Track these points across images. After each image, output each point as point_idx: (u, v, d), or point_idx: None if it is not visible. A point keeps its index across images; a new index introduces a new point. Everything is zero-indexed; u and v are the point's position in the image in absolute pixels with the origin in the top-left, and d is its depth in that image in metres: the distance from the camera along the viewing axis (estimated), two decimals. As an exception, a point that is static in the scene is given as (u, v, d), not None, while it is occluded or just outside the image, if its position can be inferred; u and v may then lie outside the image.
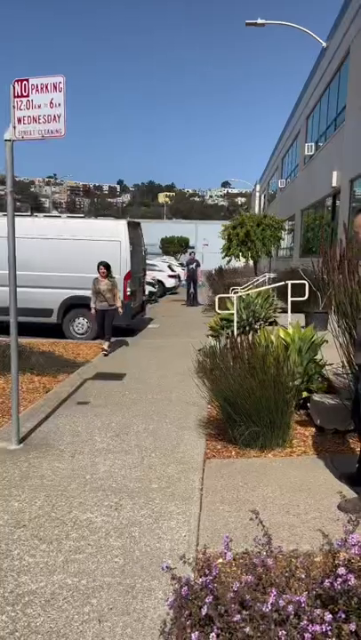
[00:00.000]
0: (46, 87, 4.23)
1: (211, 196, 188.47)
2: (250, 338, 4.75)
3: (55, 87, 4.22)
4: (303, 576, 1.97)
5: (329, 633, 1.53)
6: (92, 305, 8.77)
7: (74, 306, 10.09)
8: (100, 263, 8.82)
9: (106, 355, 8.51)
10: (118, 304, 8.87)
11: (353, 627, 1.56)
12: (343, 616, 1.62)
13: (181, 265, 32.35)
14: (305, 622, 1.56)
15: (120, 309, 8.88)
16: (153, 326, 12.08)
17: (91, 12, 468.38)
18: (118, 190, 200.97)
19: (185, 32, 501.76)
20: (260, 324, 9.59)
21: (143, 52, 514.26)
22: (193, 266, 18.39)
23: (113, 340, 9.01)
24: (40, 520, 3.16)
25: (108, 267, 8.81)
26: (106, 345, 8.69)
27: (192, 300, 17.91)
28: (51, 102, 4.22)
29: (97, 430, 4.81)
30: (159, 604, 2.36)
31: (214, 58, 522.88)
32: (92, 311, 8.87)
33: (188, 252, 19.74)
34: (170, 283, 21.66)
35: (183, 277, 20.07)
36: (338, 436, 4.50)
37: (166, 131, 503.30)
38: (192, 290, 17.98)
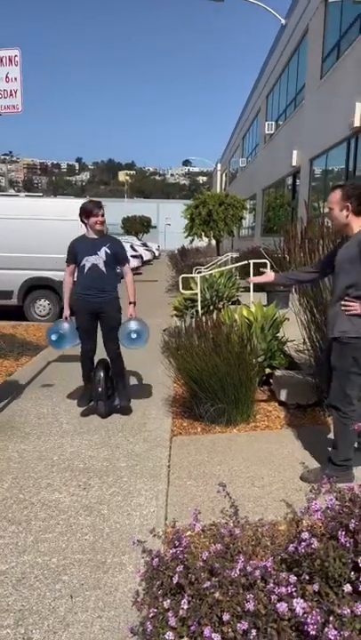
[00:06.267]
0: (1, 61, 4.08)
1: (172, 175, 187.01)
2: (214, 317, 4.81)
3: (10, 61, 4.07)
4: (269, 543, 2.06)
5: (294, 594, 1.61)
6: None
7: (35, 287, 9.92)
8: None
9: None
10: None
11: (316, 587, 1.65)
12: (307, 578, 1.70)
13: (145, 245, 31.87)
14: (271, 585, 1.64)
15: None
16: (116, 307, 12.00)
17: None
18: (77, 168, 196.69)
19: (144, 9, 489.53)
20: (224, 304, 9.70)
21: (102, 30, 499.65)
22: (102, 256, 4.53)
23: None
24: (8, 502, 3.15)
25: None
26: None
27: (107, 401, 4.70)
28: (6, 77, 4.08)
29: (63, 412, 4.79)
30: (130, 577, 2.42)
31: (174, 36, 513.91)
32: None
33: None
34: (132, 263, 21.52)
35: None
36: (299, 410, 4.65)
37: (126, 108, 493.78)
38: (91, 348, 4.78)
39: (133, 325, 4.65)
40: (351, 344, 3.13)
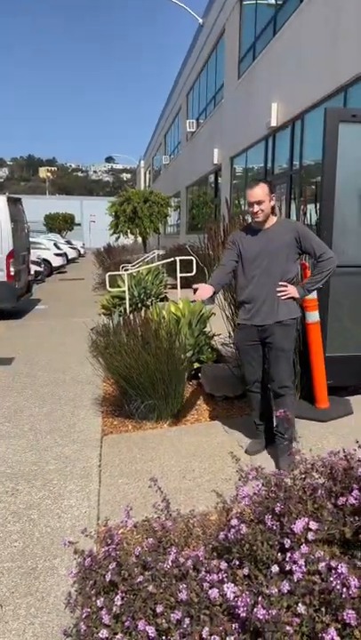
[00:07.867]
0: None
1: (95, 172, 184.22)
2: (142, 314, 4.81)
3: None
4: (200, 533, 2.10)
5: (225, 579, 1.66)
6: None
7: None
8: None
9: None
10: None
11: (246, 571, 1.71)
12: (237, 563, 1.76)
13: (69, 243, 31.18)
14: (203, 573, 1.68)
15: None
16: (41, 307, 11.69)
17: None
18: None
19: (68, 4, 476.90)
20: (152, 301, 9.72)
21: (21, 22, 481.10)
22: None
23: None
24: None
25: None
26: None
27: None
28: None
29: (-13, 417, 4.61)
30: (62, 580, 2.38)
31: (97, 32, 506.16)
32: None
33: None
34: (57, 261, 20.98)
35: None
36: (227, 402, 4.77)
37: (46, 101, 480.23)
38: None
39: None
40: (293, 325, 3.37)
